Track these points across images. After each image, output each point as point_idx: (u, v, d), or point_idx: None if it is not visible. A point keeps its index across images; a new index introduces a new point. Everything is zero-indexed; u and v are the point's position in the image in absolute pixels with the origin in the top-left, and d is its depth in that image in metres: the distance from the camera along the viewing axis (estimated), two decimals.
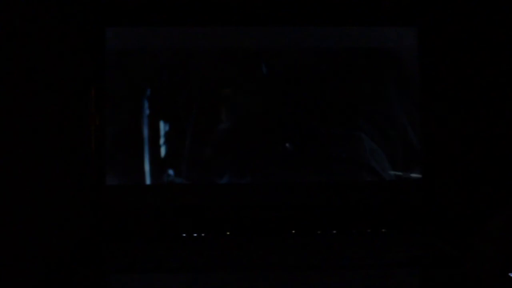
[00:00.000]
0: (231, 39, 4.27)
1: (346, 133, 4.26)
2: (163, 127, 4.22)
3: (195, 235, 4.13)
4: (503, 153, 4.07)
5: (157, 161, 4.20)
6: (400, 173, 4.25)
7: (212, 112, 4.25)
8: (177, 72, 4.25)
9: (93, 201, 4.10)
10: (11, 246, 3.29)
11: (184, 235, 4.12)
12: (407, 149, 4.26)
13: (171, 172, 4.22)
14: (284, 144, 4.25)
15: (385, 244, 4.04)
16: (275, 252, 3.84)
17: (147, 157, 4.20)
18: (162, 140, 4.22)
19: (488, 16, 4.11)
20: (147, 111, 4.22)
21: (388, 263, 3.62)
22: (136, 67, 4.22)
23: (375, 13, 4.23)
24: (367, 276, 3.41)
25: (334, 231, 4.16)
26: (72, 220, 3.92)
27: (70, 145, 3.95)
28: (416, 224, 4.17)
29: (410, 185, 4.23)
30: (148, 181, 4.19)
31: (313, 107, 4.26)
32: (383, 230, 4.17)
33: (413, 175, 4.24)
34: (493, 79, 4.10)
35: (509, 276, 3.19)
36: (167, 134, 4.22)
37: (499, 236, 2.80)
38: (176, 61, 4.25)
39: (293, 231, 4.17)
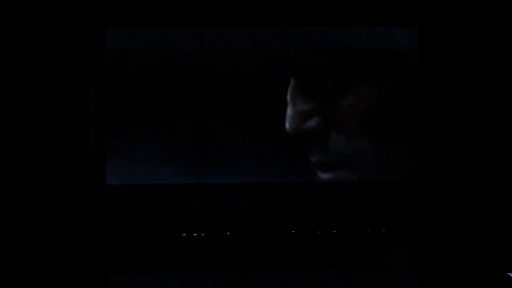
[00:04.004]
0: (232, 39, 4.27)
1: (345, 132, 4.26)
2: (163, 127, 4.22)
3: (195, 235, 4.13)
4: (503, 153, 4.07)
5: (157, 161, 4.20)
6: (400, 173, 4.26)
7: (212, 112, 4.25)
8: (177, 71, 4.24)
9: (93, 201, 4.10)
10: (11, 246, 3.29)
11: (184, 235, 4.12)
12: (407, 149, 4.26)
13: (171, 172, 4.22)
14: (284, 144, 4.25)
15: (385, 244, 4.04)
16: (275, 252, 3.84)
17: (147, 157, 4.20)
18: (162, 140, 4.22)
19: (488, 16, 4.11)
20: (147, 111, 4.22)
21: (388, 263, 3.63)
22: (136, 67, 4.22)
23: (375, 13, 4.23)
24: (367, 276, 3.41)
25: (334, 231, 4.16)
26: (73, 220, 3.92)
27: (70, 145, 3.96)
28: (416, 224, 4.17)
29: (410, 185, 4.23)
30: (148, 181, 4.19)
31: (314, 107, 4.26)
32: (383, 230, 4.17)
33: (413, 175, 4.25)
34: (493, 79, 4.11)
35: (509, 276, 3.20)
36: (167, 134, 4.22)
37: None
38: (176, 61, 4.25)
39: (293, 231, 4.18)
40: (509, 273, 3.24)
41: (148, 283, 3.37)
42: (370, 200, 4.22)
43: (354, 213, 4.20)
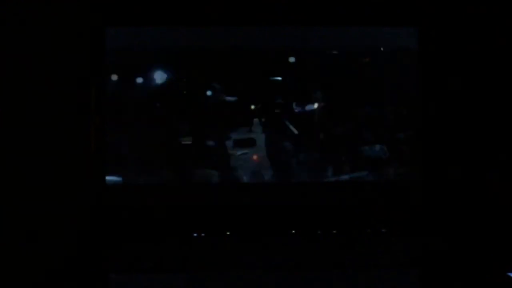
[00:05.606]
0: (233, 38, 4.27)
1: (346, 132, 4.27)
2: (163, 126, 4.23)
3: (195, 235, 4.13)
4: (504, 153, 4.07)
5: (157, 161, 4.21)
6: (399, 174, 4.26)
7: (211, 112, 4.26)
8: (176, 71, 4.25)
9: (93, 201, 4.10)
10: (11, 246, 3.30)
11: (184, 235, 4.12)
12: (407, 149, 4.26)
13: (170, 172, 4.22)
14: (284, 145, 4.26)
15: (385, 244, 4.04)
16: (275, 252, 3.84)
17: (147, 157, 4.20)
18: (162, 140, 4.22)
19: (487, 16, 4.11)
20: (146, 111, 4.22)
21: (388, 263, 3.63)
22: (135, 67, 4.22)
23: (375, 13, 4.23)
24: (368, 276, 3.41)
25: (334, 231, 4.16)
26: (72, 219, 3.92)
27: (70, 145, 3.96)
28: (416, 224, 4.17)
29: (410, 185, 4.23)
30: (148, 181, 4.19)
31: (314, 106, 4.27)
32: (383, 230, 4.17)
33: (413, 175, 4.25)
34: (492, 79, 4.11)
35: (509, 276, 3.20)
36: (167, 134, 4.22)
37: None
38: (176, 60, 4.25)
39: (293, 231, 4.18)
40: (509, 273, 3.24)
41: (148, 283, 3.37)
42: (370, 200, 4.22)
43: (354, 213, 4.20)
